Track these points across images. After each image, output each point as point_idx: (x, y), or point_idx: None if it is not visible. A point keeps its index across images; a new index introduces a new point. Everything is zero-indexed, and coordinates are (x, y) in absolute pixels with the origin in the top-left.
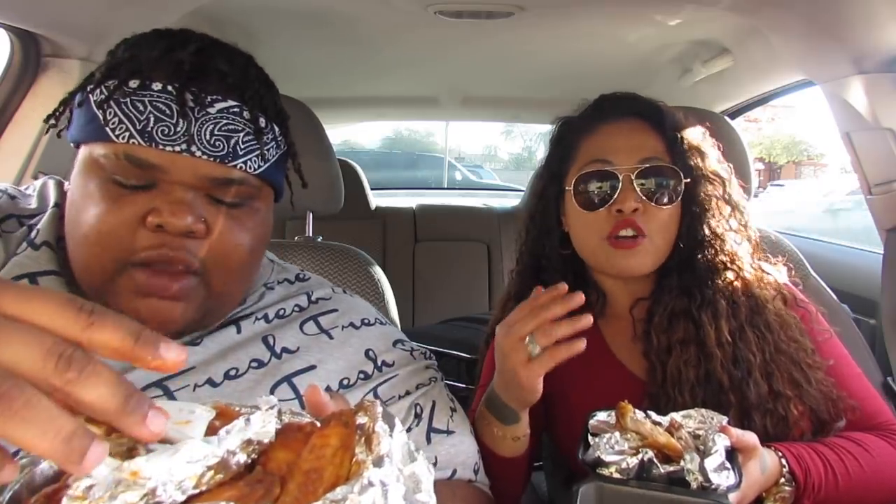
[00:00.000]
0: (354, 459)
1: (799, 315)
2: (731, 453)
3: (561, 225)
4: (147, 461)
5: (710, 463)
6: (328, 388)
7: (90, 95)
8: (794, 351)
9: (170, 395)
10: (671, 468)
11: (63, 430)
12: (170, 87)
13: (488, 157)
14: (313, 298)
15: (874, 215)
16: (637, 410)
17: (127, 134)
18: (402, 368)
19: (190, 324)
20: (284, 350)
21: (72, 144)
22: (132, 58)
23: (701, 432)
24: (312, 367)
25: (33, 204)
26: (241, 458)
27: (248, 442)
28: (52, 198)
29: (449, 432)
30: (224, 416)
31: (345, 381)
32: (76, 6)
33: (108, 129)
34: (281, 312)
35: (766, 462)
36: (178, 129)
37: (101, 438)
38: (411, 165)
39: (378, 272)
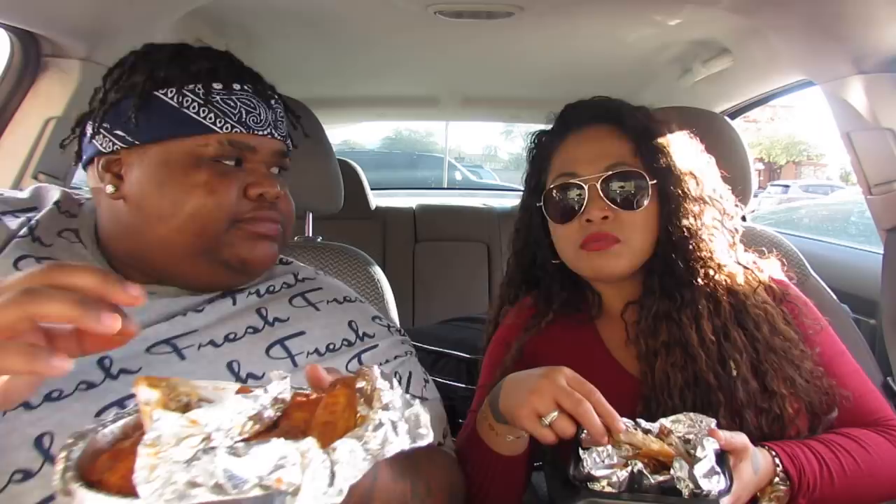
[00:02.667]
0: (358, 415)
1: (789, 310)
2: (722, 456)
3: (549, 236)
4: (203, 412)
5: (700, 469)
6: (316, 351)
7: (162, 97)
8: (784, 346)
9: (177, 352)
10: (661, 478)
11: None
12: (245, 87)
13: (488, 157)
14: (300, 277)
15: (874, 215)
16: (626, 420)
17: (229, 125)
18: (381, 340)
19: (275, 261)
20: (276, 319)
21: (131, 142)
22: (185, 69)
23: (691, 436)
24: (302, 333)
25: (23, 196)
26: (271, 412)
27: (276, 399)
28: (55, 196)
29: (423, 398)
30: (243, 392)
31: (331, 346)
32: (76, 6)
33: (207, 123)
34: (271, 288)
35: (758, 462)
36: (263, 117)
37: (161, 401)
38: (411, 165)
39: (378, 272)
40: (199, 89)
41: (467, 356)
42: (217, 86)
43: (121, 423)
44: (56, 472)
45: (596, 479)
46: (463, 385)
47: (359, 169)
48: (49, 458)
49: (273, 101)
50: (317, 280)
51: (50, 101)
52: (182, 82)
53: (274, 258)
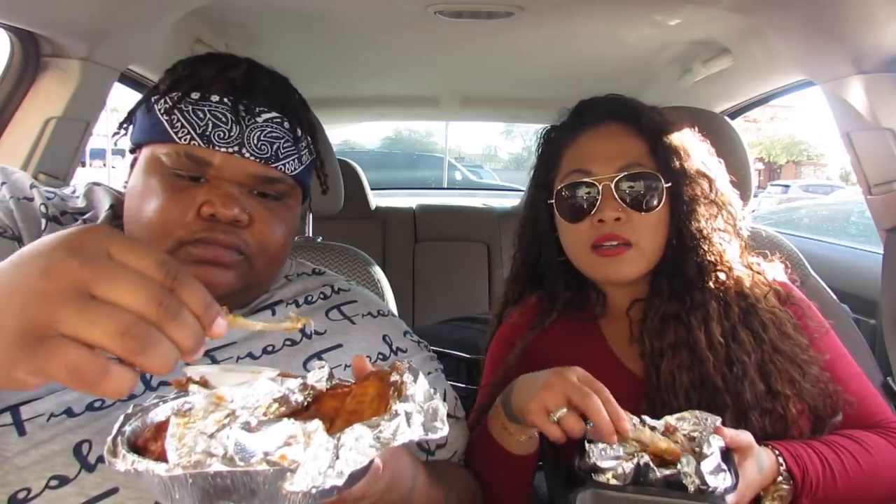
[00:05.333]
0: (388, 406)
1: (793, 312)
2: (727, 454)
3: (555, 232)
4: (230, 390)
5: (707, 465)
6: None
7: (155, 105)
8: (791, 349)
9: (216, 364)
10: (667, 472)
11: (173, 354)
12: (226, 100)
13: (488, 157)
14: (335, 289)
15: (874, 215)
16: (633, 416)
17: (189, 136)
18: (414, 356)
19: (233, 292)
20: (314, 332)
21: (131, 146)
22: (192, 75)
23: (696, 434)
24: (339, 346)
25: (80, 203)
26: (299, 397)
27: (305, 386)
28: (106, 201)
29: (457, 418)
30: (284, 378)
31: (367, 359)
32: (76, 6)
33: (172, 131)
34: (309, 298)
35: (762, 461)
36: (232, 133)
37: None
38: (411, 165)
39: (378, 272)
40: (175, 96)
41: (467, 356)
42: (195, 95)
43: (180, 400)
44: (110, 435)
45: (601, 471)
46: (463, 385)
47: (359, 169)
48: (86, 466)
49: (258, 119)
50: (351, 292)
51: (50, 101)
52: (169, 89)
53: (221, 287)
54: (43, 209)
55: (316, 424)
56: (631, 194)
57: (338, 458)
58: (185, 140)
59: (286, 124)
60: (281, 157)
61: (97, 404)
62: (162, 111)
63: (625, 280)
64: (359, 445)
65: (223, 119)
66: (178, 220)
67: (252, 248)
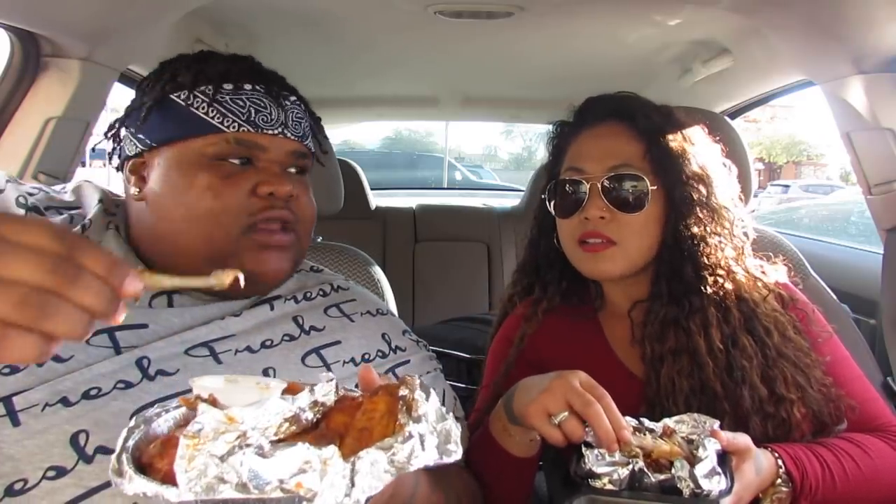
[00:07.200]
0: (398, 423)
1: (797, 316)
2: (723, 457)
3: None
4: (241, 410)
5: (701, 469)
6: (352, 360)
7: (177, 101)
8: (794, 352)
9: (215, 356)
10: (662, 476)
11: (82, 317)
12: (258, 87)
13: (488, 157)
14: (334, 286)
15: (874, 215)
16: (630, 419)
17: (236, 124)
18: (413, 355)
19: (287, 276)
20: (312, 328)
21: (149, 144)
22: (200, 71)
23: (694, 437)
24: (338, 342)
25: (68, 198)
26: (309, 415)
27: (315, 403)
28: (95, 197)
29: (457, 418)
30: (292, 390)
31: (366, 356)
32: (76, 6)
33: (215, 122)
34: (308, 295)
35: (760, 463)
36: (273, 117)
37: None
38: (411, 165)
39: (378, 272)
40: (208, 90)
41: (467, 356)
42: (227, 86)
43: (183, 409)
44: (115, 452)
45: (597, 477)
46: (463, 385)
47: (359, 169)
48: (83, 457)
49: (288, 102)
50: (350, 290)
51: (50, 101)
52: (194, 84)
53: (284, 271)
54: (21, 200)
55: (332, 451)
56: (617, 194)
57: (353, 485)
58: (232, 128)
59: (303, 107)
60: (308, 134)
61: (93, 392)
62: (195, 106)
63: (605, 277)
64: (374, 471)
65: (262, 104)
66: (238, 205)
67: (298, 221)
